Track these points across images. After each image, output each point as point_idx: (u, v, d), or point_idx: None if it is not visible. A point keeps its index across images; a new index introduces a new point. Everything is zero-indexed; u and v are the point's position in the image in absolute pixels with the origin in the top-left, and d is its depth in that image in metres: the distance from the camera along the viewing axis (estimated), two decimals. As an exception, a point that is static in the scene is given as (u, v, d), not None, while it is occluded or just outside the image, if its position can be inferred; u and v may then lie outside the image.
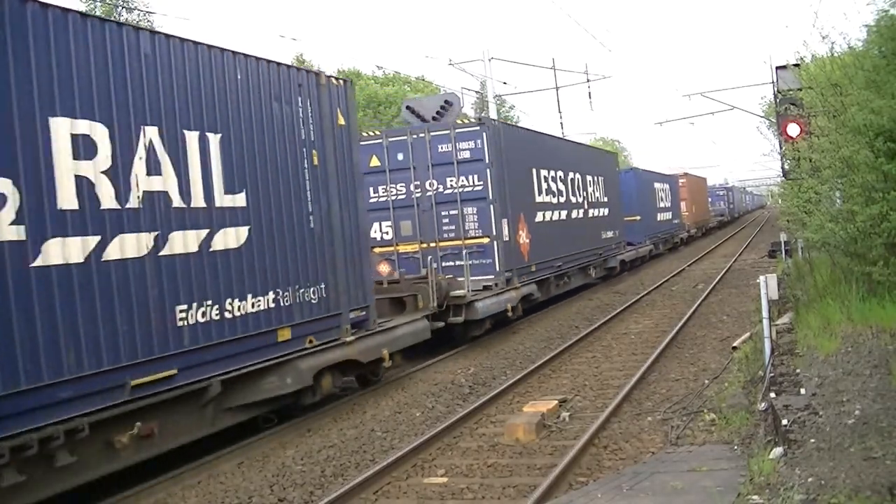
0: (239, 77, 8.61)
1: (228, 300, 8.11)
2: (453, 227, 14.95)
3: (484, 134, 14.72)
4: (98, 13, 33.69)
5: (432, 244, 14.91)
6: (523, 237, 16.41)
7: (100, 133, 6.86)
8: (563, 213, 19.50)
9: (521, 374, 11.42)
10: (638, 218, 29.45)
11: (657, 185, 34.32)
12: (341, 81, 10.65)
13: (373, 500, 7.04)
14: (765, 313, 9.22)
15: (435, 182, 14.90)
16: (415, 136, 14.96)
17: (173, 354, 7.39)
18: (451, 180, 14.78)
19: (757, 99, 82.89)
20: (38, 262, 6.22)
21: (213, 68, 8.26)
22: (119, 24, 7.56)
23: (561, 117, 34.31)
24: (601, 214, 23.22)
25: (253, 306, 8.43)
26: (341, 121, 10.39)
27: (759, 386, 8.49)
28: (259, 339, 8.51)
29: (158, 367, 7.22)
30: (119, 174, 7.02)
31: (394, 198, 15.04)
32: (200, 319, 7.74)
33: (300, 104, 9.56)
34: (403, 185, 15.03)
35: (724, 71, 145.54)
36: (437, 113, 16.40)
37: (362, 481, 7.15)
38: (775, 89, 14.73)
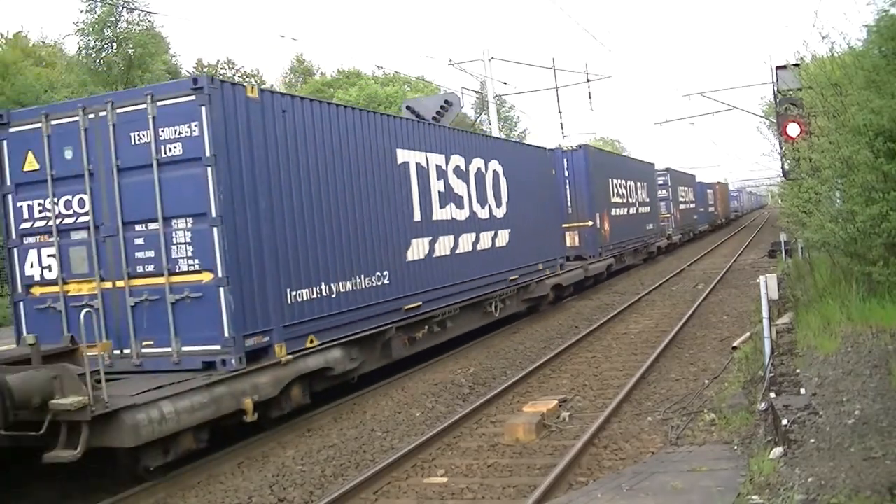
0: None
1: None
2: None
3: (669, 175, 33.93)
4: (98, 13, 33.68)
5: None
6: (677, 215, 36.48)
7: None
8: (693, 205, 42.70)
9: (521, 374, 11.41)
10: (701, 210, 48.37)
11: (708, 190, 53.58)
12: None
13: (373, 500, 7.04)
14: (765, 313, 9.23)
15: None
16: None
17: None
18: (660, 193, 32.42)
19: (757, 99, 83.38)
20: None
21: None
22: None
23: (561, 117, 34.30)
24: (694, 208, 44.38)
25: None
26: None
27: (759, 386, 8.49)
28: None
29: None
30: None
31: None
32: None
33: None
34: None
35: (724, 71, 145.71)
36: (437, 113, 16.41)
37: (362, 481, 7.15)
38: (775, 89, 14.73)
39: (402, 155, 11.92)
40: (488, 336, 15.20)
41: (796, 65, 13.36)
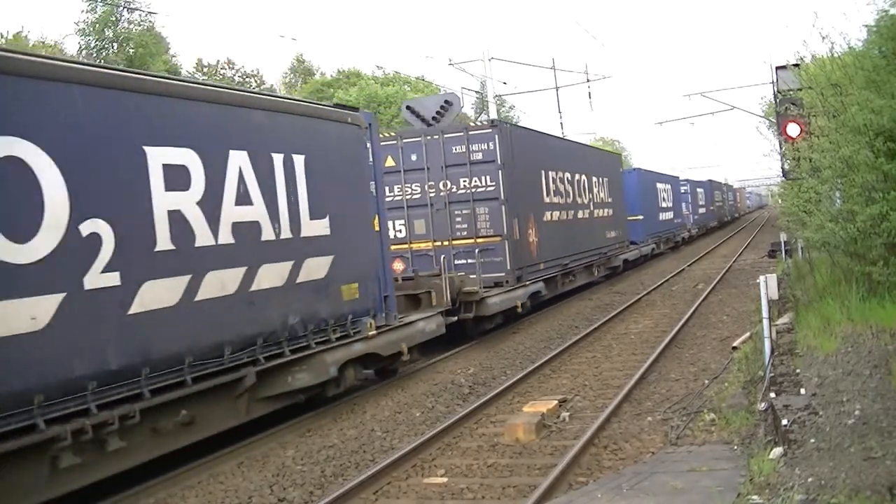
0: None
1: None
2: None
3: (725, 186, 60.46)
4: (99, 13, 33.71)
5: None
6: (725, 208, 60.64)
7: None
8: (731, 202, 72.88)
9: (521, 374, 11.41)
10: (735, 205, 73.24)
11: (735, 193, 78.32)
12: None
13: (373, 500, 7.04)
14: (765, 313, 9.22)
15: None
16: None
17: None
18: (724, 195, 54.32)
19: (757, 99, 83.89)
20: None
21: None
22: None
23: (561, 117, 34.37)
24: (732, 203, 71.54)
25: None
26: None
27: (759, 386, 8.49)
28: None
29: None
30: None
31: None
32: None
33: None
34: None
35: (724, 71, 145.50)
36: (437, 113, 16.40)
37: (362, 481, 7.15)
38: (775, 89, 14.71)
39: None
40: (488, 336, 15.18)
41: (796, 65, 13.34)
